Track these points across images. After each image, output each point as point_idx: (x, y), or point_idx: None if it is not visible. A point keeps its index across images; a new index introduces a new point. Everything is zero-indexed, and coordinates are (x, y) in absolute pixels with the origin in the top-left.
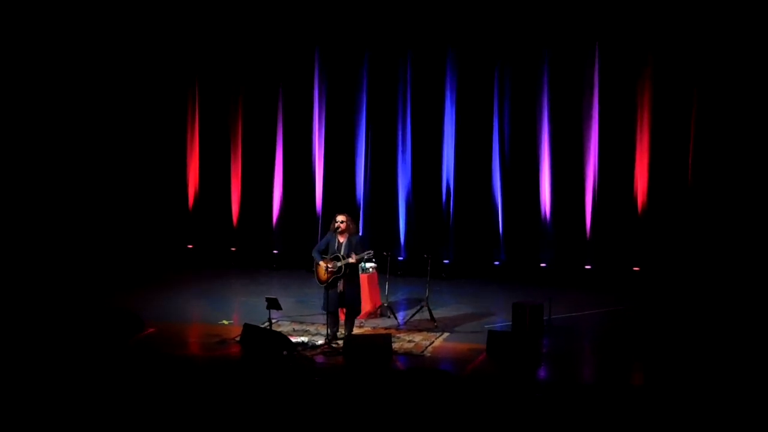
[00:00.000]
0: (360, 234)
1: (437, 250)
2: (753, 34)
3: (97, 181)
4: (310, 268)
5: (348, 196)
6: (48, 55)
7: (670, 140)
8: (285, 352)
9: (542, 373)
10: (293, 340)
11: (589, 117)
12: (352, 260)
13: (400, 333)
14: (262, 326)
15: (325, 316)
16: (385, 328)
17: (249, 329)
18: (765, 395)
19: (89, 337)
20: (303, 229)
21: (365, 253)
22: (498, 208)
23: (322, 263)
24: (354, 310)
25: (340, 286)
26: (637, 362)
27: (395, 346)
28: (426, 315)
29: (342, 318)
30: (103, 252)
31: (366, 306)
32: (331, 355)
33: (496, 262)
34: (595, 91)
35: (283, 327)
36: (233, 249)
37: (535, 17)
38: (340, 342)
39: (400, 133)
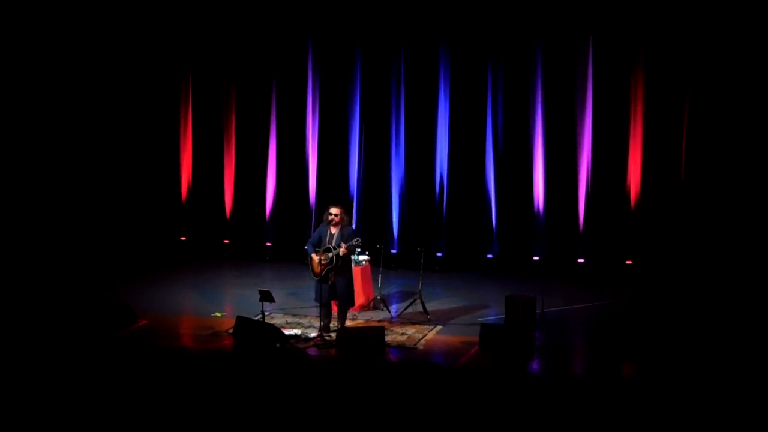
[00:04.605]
0: (353, 227)
1: (430, 243)
2: (746, 29)
3: (91, 173)
4: (303, 261)
5: (341, 189)
6: (41, 49)
7: (663, 134)
8: (278, 345)
9: (535, 366)
10: (286, 332)
11: (583, 110)
12: (342, 251)
13: (393, 326)
14: (255, 318)
15: (318, 309)
16: (378, 321)
17: (242, 321)
18: (757, 387)
19: (82, 329)
20: (296, 222)
21: (354, 240)
22: (491, 201)
23: (314, 256)
24: (346, 303)
25: (331, 277)
26: (630, 355)
27: (388, 338)
28: (419, 308)
29: (335, 310)
30: (96, 244)
31: (359, 299)
32: (324, 348)
33: (489, 256)
34: (588, 85)
35: (276, 319)
36: (226, 241)
37: (529, 10)
38: (333, 334)
39: (393, 125)
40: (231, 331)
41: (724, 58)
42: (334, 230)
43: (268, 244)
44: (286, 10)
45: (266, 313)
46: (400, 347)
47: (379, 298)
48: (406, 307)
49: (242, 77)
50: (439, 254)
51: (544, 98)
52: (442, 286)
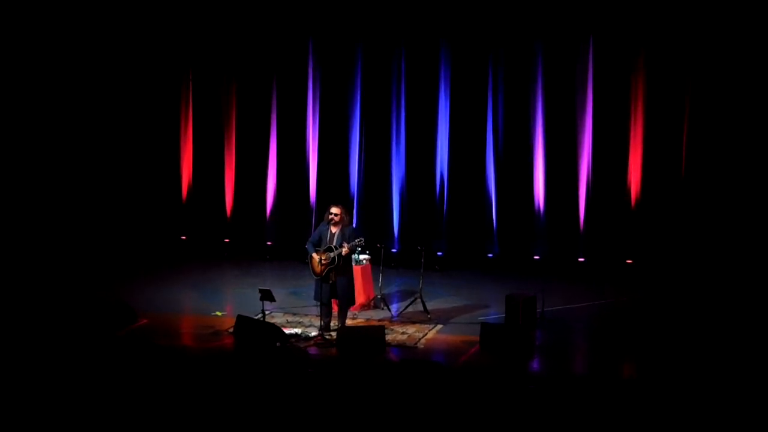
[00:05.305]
0: (353, 226)
1: (431, 242)
2: (746, 27)
3: (92, 172)
4: (304, 260)
5: (342, 188)
6: (42, 50)
7: (663, 133)
8: (278, 344)
9: (535, 365)
10: (286, 331)
11: (583, 109)
12: (344, 251)
13: (393, 325)
14: (256, 318)
15: (318, 308)
16: (379, 320)
17: (242, 321)
18: (757, 387)
19: (82, 328)
20: (297, 221)
21: (356, 240)
22: (492, 200)
23: (315, 256)
24: (347, 302)
25: (332, 277)
26: (630, 355)
27: (388, 338)
28: (419, 307)
29: (335, 309)
30: (97, 243)
31: (359, 298)
32: (325, 347)
33: (490, 255)
34: (589, 84)
35: (277, 318)
36: (227, 240)
37: (529, 9)
38: (334, 333)
39: (394, 124)
40: (231, 330)
41: (724, 58)
42: (334, 229)
43: (269, 243)
44: (286, 10)
45: (267, 312)
46: (401, 346)
47: (379, 297)
48: (407, 306)
49: (242, 77)
50: (439, 253)
51: (545, 98)
52: (442, 286)
